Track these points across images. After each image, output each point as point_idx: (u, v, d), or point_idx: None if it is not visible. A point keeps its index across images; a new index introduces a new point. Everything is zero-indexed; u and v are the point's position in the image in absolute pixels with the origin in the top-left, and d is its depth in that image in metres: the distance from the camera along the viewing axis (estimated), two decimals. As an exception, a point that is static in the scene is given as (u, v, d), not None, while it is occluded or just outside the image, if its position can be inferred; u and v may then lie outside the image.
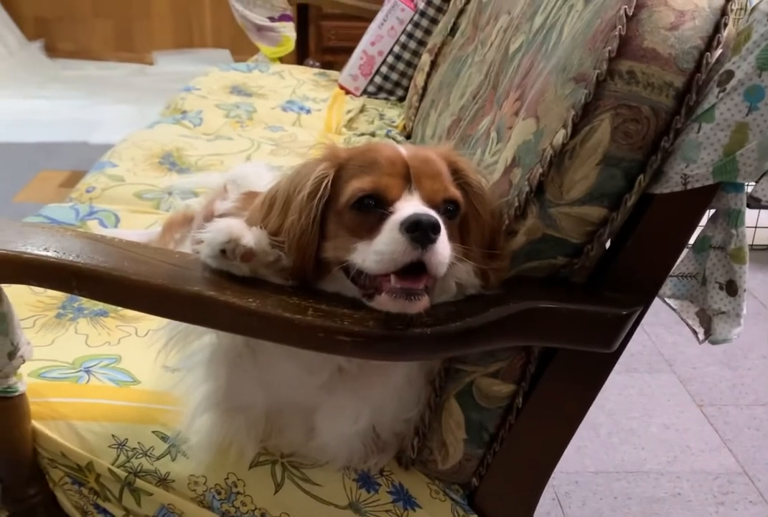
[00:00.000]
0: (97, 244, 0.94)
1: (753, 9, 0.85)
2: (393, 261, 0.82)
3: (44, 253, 0.88)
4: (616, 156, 0.86)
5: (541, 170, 0.89)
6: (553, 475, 1.75)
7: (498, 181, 0.99)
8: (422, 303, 0.83)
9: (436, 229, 0.81)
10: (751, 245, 2.79)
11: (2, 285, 0.92)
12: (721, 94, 0.84)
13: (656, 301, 0.98)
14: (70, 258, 0.88)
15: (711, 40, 0.87)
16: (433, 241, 0.81)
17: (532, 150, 0.93)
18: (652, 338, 2.33)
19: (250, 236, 0.87)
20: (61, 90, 4.41)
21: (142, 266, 0.90)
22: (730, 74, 0.84)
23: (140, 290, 0.88)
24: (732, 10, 0.88)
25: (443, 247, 0.83)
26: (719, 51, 0.87)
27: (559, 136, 0.88)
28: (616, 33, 0.86)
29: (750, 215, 2.64)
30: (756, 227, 2.74)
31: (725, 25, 0.87)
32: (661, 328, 2.36)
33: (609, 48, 0.86)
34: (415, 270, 0.82)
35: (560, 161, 0.88)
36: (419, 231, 0.80)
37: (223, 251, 0.87)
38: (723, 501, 1.73)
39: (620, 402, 2.04)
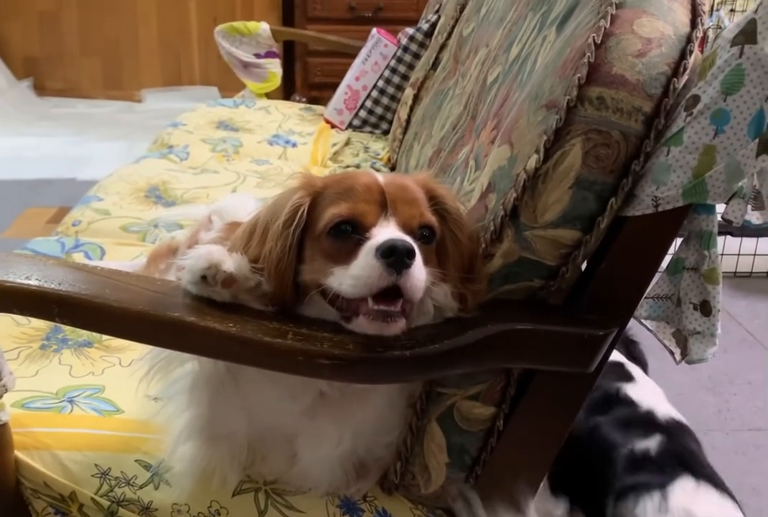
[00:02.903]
0: (79, 272, 0.95)
1: (717, 36, 0.88)
2: (368, 286, 0.83)
3: (26, 281, 0.89)
4: (588, 179, 0.88)
5: (515, 195, 0.91)
6: (541, 503, 1.74)
7: (474, 206, 1.01)
8: (399, 325, 0.85)
9: (411, 254, 0.83)
10: (734, 273, 2.81)
11: (-15, 314, 0.93)
12: (689, 118, 0.87)
13: (640, 328, 1.00)
14: (52, 286, 0.89)
15: (677, 66, 0.90)
16: (408, 266, 0.83)
17: (506, 175, 0.95)
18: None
19: (231, 262, 0.88)
20: (50, 128, 4.44)
21: (124, 293, 0.90)
22: (696, 99, 0.87)
23: (121, 316, 0.88)
24: (697, 38, 0.91)
25: (418, 272, 0.84)
26: (686, 77, 0.90)
27: (532, 161, 0.90)
28: (585, 60, 0.89)
29: (733, 243, 2.67)
30: (739, 255, 2.77)
31: (691, 51, 0.90)
32: (647, 354, 2.37)
33: (578, 75, 0.89)
34: (391, 295, 0.84)
35: (534, 185, 0.90)
36: (394, 256, 0.82)
37: (204, 277, 0.88)
38: (711, 527, 1.72)
39: (607, 429, 2.03)
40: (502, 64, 1.31)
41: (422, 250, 0.87)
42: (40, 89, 4.95)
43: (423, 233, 0.91)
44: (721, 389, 2.24)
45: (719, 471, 1.84)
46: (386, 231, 0.87)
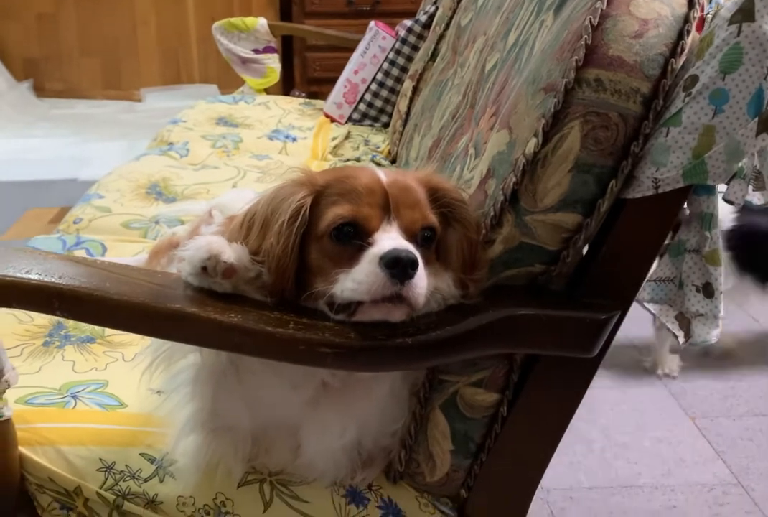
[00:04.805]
0: (79, 266, 0.95)
1: (714, 15, 0.87)
2: (370, 292, 0.84)
3: (26, 275, 0.89)
4: (587, 162, 0.88)
5: (514, 179, 0.91)
6: (548, 491, 1.75)
7: (474, 193, 1.00)
8: (405, 309, 0.85)
9: (414, 265, 0.83)
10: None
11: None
12: (687, 99, 0.86)
13: (645, 315, 0.99)
14: (53, 280, 0.89)
15: (675, 47, 0.89)
16: (411, 277, 0.83)
17: (505, 160, 0.94)
18: (642, 352, 2.33)
19: (231, 252, 0.88)
20: (50, 128, 4.44)
21: (124, 286, 0.90)
22: (694, 79, 0.86)
23: (122, 309, 0.88)
24: (694, 18, 0.91)
25: (421, 281, 0.85)
26: (684, 57, 0.89)
27: (531, 145, 0.90)
28: (582, 42, 0.88)
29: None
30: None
31: (688, 32, 0.90)
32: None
33: (576, 57, 0.88)
34: (393, 301, 0.85)
35: (533, 170, 0.90)
36: (398, 268, 0.83)
37: (204, 268, 0.88)
38: (718, 512, 1.72)
39: (613, 417, 2.03)
40: (500, 51, 1.30)
41: (423, 253, 0.88)
42: (40, 90, 4.94)
43: (424, 235, 0.91)
44: (726, 376, 2.24)
45: (725, 457, 1.84)
46: (389, 237, 0.87)
